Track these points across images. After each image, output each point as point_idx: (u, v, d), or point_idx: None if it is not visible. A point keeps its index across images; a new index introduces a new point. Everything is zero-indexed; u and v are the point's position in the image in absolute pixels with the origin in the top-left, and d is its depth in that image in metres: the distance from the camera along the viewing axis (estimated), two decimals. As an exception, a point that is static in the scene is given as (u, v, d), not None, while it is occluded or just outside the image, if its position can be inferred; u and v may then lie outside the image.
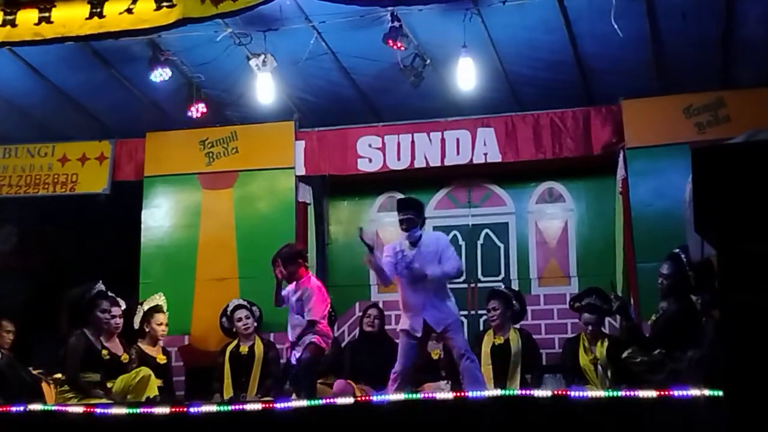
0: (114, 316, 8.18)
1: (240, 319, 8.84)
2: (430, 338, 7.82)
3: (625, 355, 7.28)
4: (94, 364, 7.62)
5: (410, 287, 7.49)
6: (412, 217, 7.54)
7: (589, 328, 8.29)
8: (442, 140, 9.52)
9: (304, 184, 9.94)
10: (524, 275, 9.86)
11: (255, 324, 8.87)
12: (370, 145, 9.70)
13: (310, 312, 7.84)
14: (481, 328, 9.18)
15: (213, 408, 6.27)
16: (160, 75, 8.98)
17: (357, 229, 7.91)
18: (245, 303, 8.93)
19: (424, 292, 7.44)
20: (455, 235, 9.84)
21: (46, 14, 8.06)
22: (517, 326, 8.64)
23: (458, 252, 8.24)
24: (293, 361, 7.85)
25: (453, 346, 7.47)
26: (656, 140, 8.93)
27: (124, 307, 8.49)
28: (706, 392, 5.25)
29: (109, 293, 8.10)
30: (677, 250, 7.32)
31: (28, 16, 8.10)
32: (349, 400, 6.23)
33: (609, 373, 8.02)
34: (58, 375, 7.93)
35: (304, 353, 7.68)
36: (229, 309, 8.95)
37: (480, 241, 9.81)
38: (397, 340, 8.89)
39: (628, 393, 5.74)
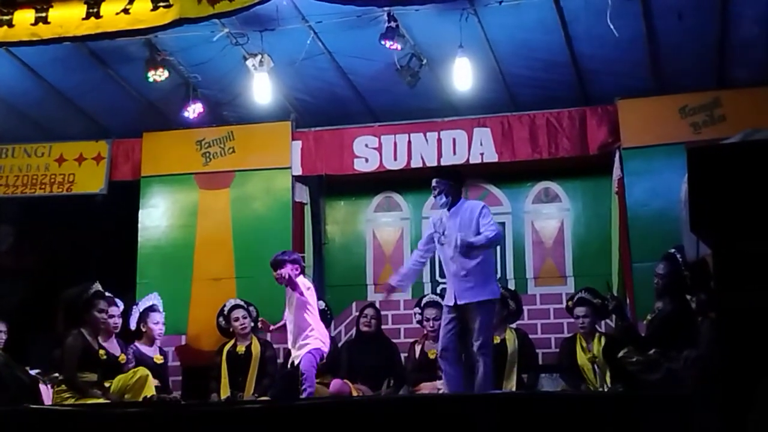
0: (112, 316, 8.19)
1: (237, 319, 8.84)
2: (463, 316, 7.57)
3: (620, 354, 7.29)
4: (91, 364, 7.61)
5: (445, 256, 7.52)
6: (434, 185, 7.58)
7: (580, 321, 8.32)
8: (439, 140, 9.53)
9: (300, 184, 9.95)
10: (520, 275, 9.87)
11: (252, 324, 8.86)
12: (366, 145, 9.71)
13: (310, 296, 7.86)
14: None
15: (209, 407, 6.28)
16: (157, 75, 8.97)
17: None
18: (242, 303, 8.94)
19: (454, 259, 7.43)
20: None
21: (43, 14, 8.04)
22: (514, 326, 8.66)
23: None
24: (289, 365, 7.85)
25: (471, 329, 7.32)
26: (652, 140, 8.95)
27: (122, 307, 8.50)
28: (702, 392, 5.27)
29: (107, 293, 8.11)
30: (673, 250, 7.34)
31: (24, 17, 8.08)
32: (346, 399, 6.25)
33: (606, 373, 8.04)
34: (56, 375, 7.93)
35: (302, 360, 7.66)
36: (226, 309, 8.95)
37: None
38: (394, 340, 8.96)
39: (623, 392, 5.76)
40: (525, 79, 9.24)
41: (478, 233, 7.41)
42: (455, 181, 7.67)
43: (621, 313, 7.83)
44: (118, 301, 8.46)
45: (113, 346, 8.18)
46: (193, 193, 9.98)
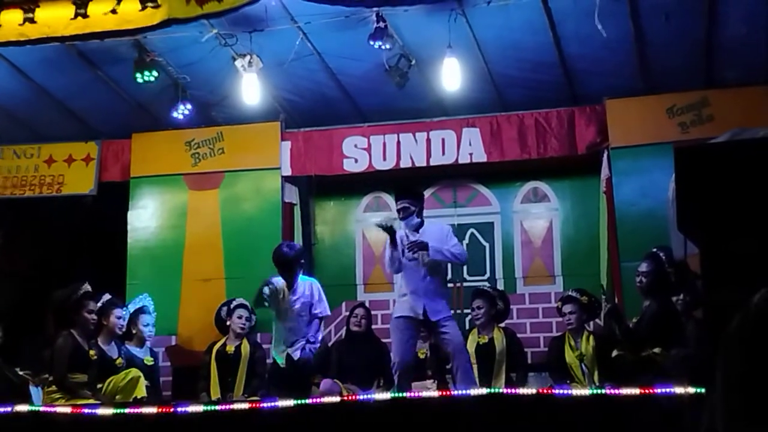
0: (119, 318, 8.20)
1: (240, 317, 8.82)
2: (423, 332, 7.92)
3: (614, 354, 7.32)
4: (81, 365, 7.61)
5: (412, 270, 7.54)
6: (407, 206, 7.59)
7: (567, 318, 8.36)
8: (428, 140, 9.55)
9: (290, 184, 9.95)
10: (509, 274, 9.88)
11: (249, 328, 8.88)
12: (355, 146, 9.72)
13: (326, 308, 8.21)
14: (467, 327, 9.20)
15: (200, 408, 6.28)
16: (146, 76, 8.96)
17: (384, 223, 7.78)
18: (248, 305, 8.89)
19: (425, 278, 7.49)
20: (441, 235, 9.86)
21: (30, 15, 8.02)
22: (502, 325, 8.68)
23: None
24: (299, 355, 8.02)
25: (449, 340, 7.44)
26: (640, 140, 8.98)
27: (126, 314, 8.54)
28: (690, 390, 5.30)
29: (115, 299, 8.22)
30: (655, 249, 7.40)
31: (12, 17, 8.05)
32: (336, 399, 6.26)
33: (594, 371, 8.06)
34: (46, 376, 7.92)
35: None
36: (233, 304, 8.92)
37: (465, 241, 9.79)
38: (384, 340, 8.94)
39: (612, 391, 5.78)
40: (513, 80, 9.26)
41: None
42: (418, 201, 7.70)
43: (617, 317, 7.82)
44: (131, 306, 8.56)
45: (112, 349, 8.17)
46: (182, 193, 9.97)
